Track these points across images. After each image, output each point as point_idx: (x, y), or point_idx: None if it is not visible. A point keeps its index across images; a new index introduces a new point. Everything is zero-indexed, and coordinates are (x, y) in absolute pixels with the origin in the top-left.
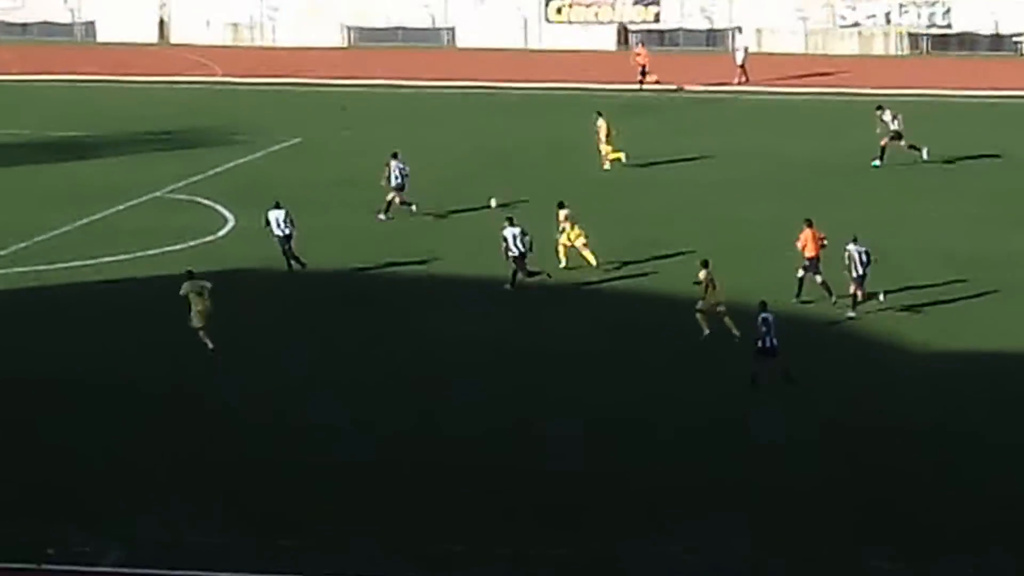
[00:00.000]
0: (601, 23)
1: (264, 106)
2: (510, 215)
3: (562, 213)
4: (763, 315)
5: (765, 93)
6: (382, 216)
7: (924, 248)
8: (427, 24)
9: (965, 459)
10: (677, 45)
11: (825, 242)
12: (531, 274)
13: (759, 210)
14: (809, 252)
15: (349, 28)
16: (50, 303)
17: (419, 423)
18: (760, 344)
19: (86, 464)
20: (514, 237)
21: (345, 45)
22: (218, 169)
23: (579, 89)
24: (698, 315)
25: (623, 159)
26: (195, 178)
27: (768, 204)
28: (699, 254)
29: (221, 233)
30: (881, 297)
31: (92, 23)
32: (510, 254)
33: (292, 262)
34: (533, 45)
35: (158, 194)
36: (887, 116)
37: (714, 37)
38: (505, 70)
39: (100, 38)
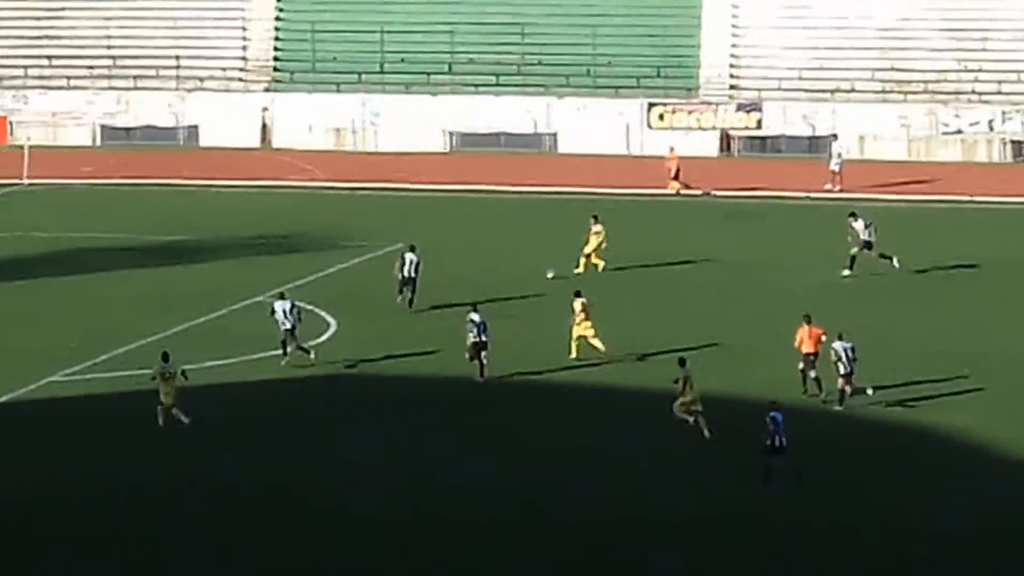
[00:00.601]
0: (703, 129)
1: (366, 211)
2: (474, 302)
3: (578, 303)
4: (772, 414)
5: (863, 200)
6: (399, 300)
7: (991, 352)
8: (529, 130)
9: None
10: (780, 152)
11: (824, 338)
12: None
13: (837, 318)
14: (807, 348)
15: (451, 133)
16: (152, 408)
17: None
18: (769, 443)
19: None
20: (480, 323)
21: (447, 150)
22: (320, 274)
23: (680, 195)
24: (681, 412)
25: (599, 267)
26: (297, 283)
27: (849, 312)
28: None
29: (323, 338)
30: (869, 391)
31: (195, 127)
32: (472, 340)
33: (289, 350)
34: (635, 151)
35: (260, 298)
36: (859, 224)
37: (816, 144)
38: (607, 176)
39: (203, 142)
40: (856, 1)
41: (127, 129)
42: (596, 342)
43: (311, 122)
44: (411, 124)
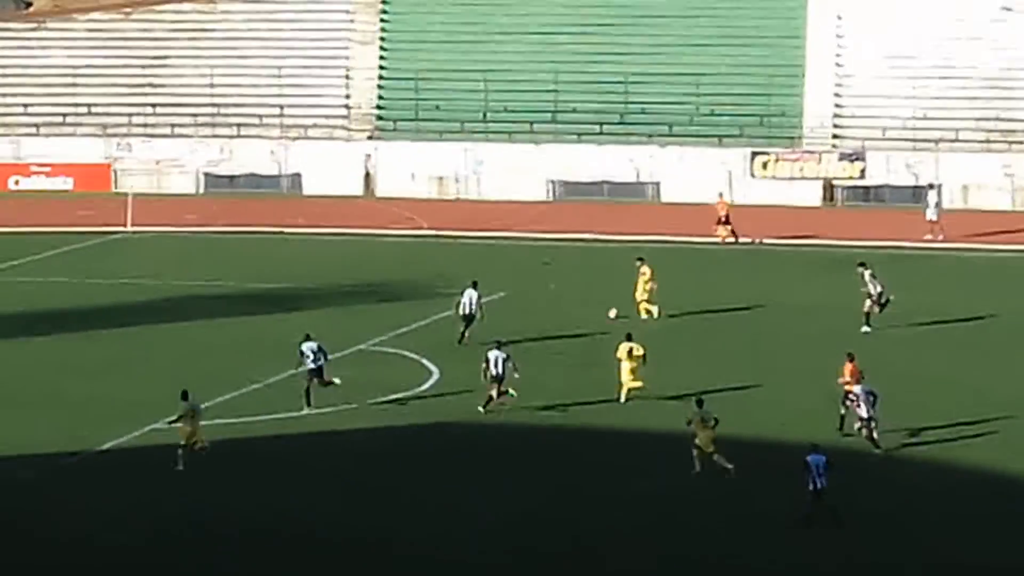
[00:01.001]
0: (806, 179)
1: (469, 259)
2: (499, 339)
3: (623, 347)
4: (808, 457)
5: (962, 250)
6: (466, 343)
7: None
8: (632, 179)
9: None
10: (883, 201)
11: (864, 377)
12: (500, 394)
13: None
14: (849, 386)
15: (554, 182)
16: (254, 455)
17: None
18: (812, 487)
19: None
20: (496, 360)
21: (550, 199)
22: (423, 322)
23: (784, 245)
24: (694, 451)
25: (654, 314)
26: (400, 331)
27: (904, 357)
28: None
29: (425, 386)
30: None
31: (298, 175)
32: (489, 375)
33: (312, 399)
34: (739, 200)
35: (363, 347)
36: (867, 275)
37: (919, 193)
38: (710, 225)
39: (306, 190)
40: (960, 50)
41: (230, 177)
42: (629, 383)
43: (414, 170)
44: (514, 173)
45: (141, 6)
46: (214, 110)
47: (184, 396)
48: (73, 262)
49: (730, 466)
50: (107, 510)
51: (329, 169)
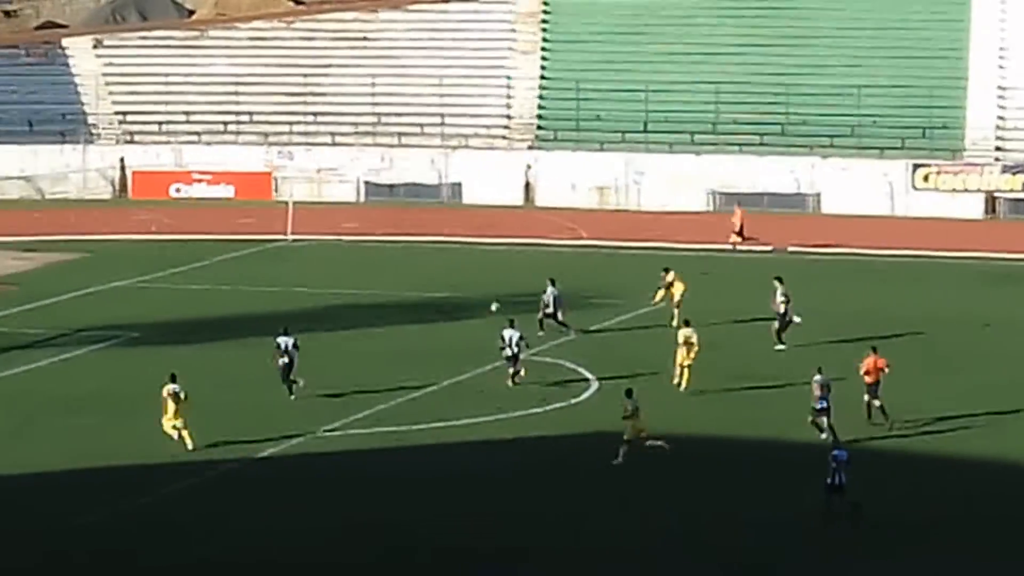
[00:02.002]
0: (968, 191)
1: (629, 270)
2: (511, 317)
3: (682, 332)
4: (833, 452)
5: None
6: (541, 333)
7: None
8: (793, 190)
9: None
10: None
11: (887, 369)
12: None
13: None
14: (870, 378)
15: (715, 193)
16: (410, 464)
17: None
18: (829, 481)
19: None
20: (510, 339)
21: (710, 209)
22: (582, 332)
23: (946, 257)
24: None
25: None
26: (559, 340)
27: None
28: None
29: (584, 396)
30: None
31: (459, 185)
32: (504, 353)
33: (295, 387)
34: (900, 212)
35: (522, 357)
36: (778, 292)
37: None
38: (871, 236)
39: (466, 200)
40: None
41: (390, 186)
42: (686, 376)
43: (574, 180)
44: (674, 183)
45: (303, 15)
46: (375, 119)
47: (173, 379)
48: (233, 270)
49: (660, 442)
50: (260, 519)
51: (489, 178)
